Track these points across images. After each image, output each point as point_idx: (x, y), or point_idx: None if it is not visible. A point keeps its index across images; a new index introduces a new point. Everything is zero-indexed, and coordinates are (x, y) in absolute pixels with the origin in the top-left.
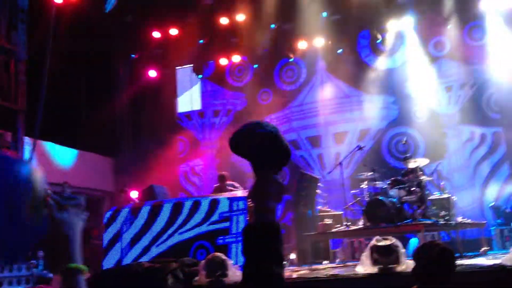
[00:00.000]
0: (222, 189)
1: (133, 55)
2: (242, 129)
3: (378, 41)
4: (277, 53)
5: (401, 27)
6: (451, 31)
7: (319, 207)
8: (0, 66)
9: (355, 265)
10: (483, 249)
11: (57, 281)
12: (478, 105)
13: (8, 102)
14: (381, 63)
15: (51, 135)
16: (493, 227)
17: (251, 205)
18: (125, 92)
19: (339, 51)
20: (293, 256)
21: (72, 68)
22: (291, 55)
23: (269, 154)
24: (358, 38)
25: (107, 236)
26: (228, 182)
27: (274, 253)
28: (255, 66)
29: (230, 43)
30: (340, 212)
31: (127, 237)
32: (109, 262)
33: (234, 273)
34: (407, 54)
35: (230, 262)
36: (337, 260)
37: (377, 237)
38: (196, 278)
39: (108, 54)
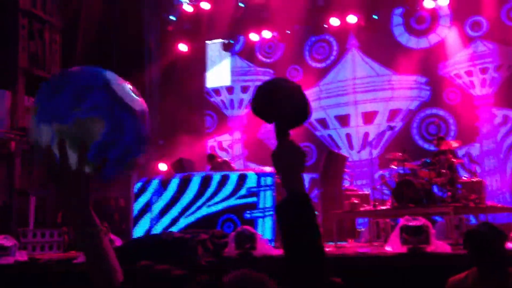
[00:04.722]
0: (215, 167)
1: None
2: (260, 88)
3: (412, 20)
4: (308, 30)
5: (437, 5)
6: (488, 11)
7: (346, 186)
8: (35, 34)
9: (381, 245)
10: None
11: None
12: None
13: (42, 71)
14: (414, 43)
15: None
16: None
17: (279, 181)
18: (155, 65)
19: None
20: None
21: (104, 39)
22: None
23: (287, 111)
24: (392, 16)
25: (137, 206)
26: (218, 160)
27: (311, 225)
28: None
29: (261, 18)
30: (367, 192)
31: (156, 207)
32: (139, 231)
33: (263, 247)
34: (442, 33)
35: (259, 235)
36: (362, 240)
37: (407, 217)
38: (226, 249)
39: (140, 26)
